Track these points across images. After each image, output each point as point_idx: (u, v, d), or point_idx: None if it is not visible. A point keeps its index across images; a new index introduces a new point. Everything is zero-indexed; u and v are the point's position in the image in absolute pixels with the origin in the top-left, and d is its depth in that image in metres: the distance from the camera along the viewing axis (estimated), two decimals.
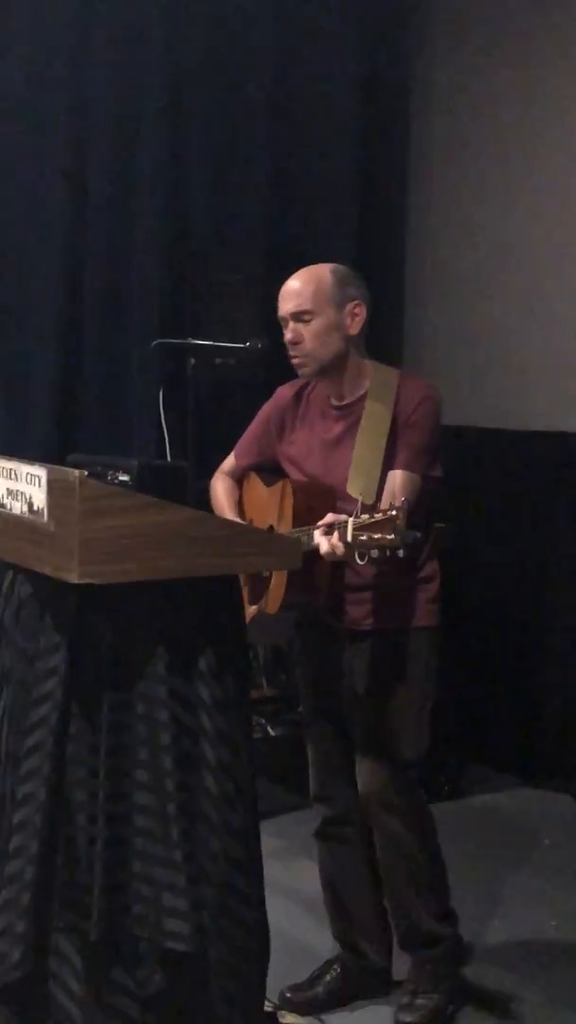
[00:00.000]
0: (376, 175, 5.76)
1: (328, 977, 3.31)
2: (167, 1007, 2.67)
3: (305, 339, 3.08)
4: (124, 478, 2.73)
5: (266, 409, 3.34)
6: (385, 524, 2.66)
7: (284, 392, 3.31)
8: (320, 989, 3.29)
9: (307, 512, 3.00)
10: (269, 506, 3.22)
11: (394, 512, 2.66)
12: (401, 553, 2.69)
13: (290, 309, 3.10)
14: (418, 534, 2.71)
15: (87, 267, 5.11)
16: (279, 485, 3.19)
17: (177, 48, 5.17)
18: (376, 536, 2.65)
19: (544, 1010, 3.33)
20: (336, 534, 2.72)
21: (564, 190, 5.20)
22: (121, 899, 2.62)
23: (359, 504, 2.84)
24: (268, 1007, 3.03)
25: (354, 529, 2.66)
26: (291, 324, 3.10)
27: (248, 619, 3.22)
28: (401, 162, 5.90)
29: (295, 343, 3.10)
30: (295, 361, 3.14)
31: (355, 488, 2.94)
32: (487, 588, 5.09)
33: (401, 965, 3.40)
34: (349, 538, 2.67)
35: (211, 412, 4.91)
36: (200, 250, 5.23)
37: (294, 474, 3.22)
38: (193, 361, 4.64)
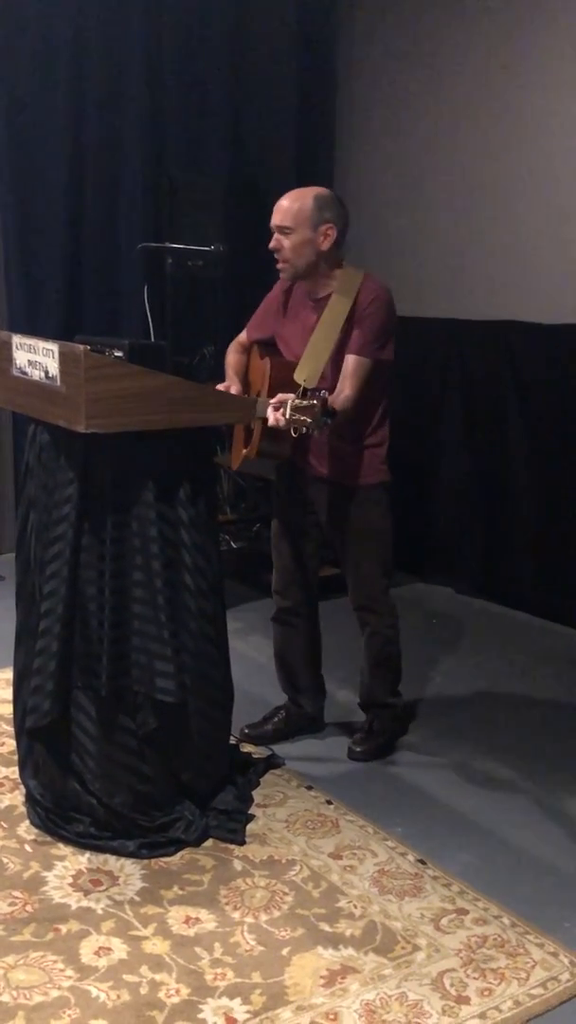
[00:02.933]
0: (311, 96, 5.34)
1: (276, 718, 3.40)
2: (158, 742, 2.76)
3: (284, 248, 2.97)
4: (118, 354, 2.68)
5: (270, 296, 3.21)
6: (310, 409, 2.66)
7: (281, 284, 3.17)
8: (269, 727, 3.38)
9: (280, 385, 2.92)
10: (259, 376, 3.15)
11: (315, 401, 2.66)
12: (316, 433, 2.74)
13: (276, 222, 2.97)
14: (329, 420, 2.71)
15: (87, 188, 4.91)
16: (267, 360, 3.11)
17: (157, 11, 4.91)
18: (303, 417, 2.65)
19: (432, 743, 3.47)
20: (281, 411, 2.70)
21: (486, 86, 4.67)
22: (123, 665, 2.68)
23: (301, 388, 2.82)
24: (232, 741, 3.12)
25: (291, 409, 2.65)
26: (276, 235, 2.99)
27: (240, 460, 3.23)
28: (332, 80, 5.40)
29: (276, 250, 2.99)
30: (278, 265, 3.02)
31: (301, 374, 2.89)
32: None
33: (330, 716, 3.49)
34: (287, 415, 2.66)
35: (184, 302, 4.82)
36: (175, 172, 5.05)
37: (284, 352, 3.12)
38: (170, 261, 4.53)
